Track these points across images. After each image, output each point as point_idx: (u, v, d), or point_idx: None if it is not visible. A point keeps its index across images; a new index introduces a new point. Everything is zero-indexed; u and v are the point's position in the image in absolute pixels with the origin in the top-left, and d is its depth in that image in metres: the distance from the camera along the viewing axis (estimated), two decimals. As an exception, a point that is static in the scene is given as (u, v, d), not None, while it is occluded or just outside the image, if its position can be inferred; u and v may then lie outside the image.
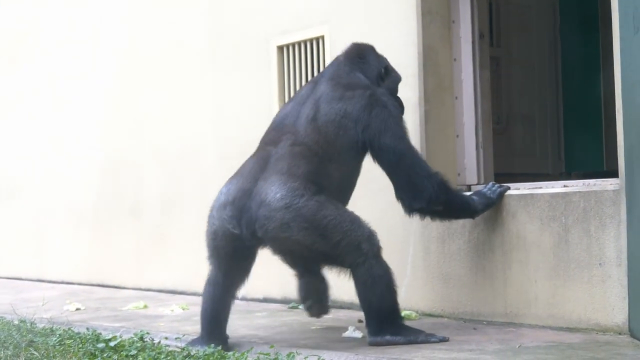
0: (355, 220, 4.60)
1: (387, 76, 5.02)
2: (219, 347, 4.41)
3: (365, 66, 4.98)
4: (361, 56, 5.01)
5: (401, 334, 4.52)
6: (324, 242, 4.52)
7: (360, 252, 4.54)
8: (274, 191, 4.49)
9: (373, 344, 4.50)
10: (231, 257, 4.75)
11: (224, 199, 4.69)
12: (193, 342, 4.72)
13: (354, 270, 4.57)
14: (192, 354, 4.24)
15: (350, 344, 4.53)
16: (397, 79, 5.13)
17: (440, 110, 5.77)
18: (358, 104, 4.70)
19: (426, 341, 4.51)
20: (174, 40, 7.70)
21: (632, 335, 4.39)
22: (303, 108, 4.86)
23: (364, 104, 4.71)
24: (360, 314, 5.61)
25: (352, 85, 4.82)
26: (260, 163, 4.73)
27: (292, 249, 4.67)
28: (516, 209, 5.03)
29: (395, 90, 5.11)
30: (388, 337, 4.50)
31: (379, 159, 4.74)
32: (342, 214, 4.60)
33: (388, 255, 5.77)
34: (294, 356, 3.96)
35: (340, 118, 4.71)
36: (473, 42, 5.82)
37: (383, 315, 4.54)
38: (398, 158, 4.68)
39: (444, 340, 4.53)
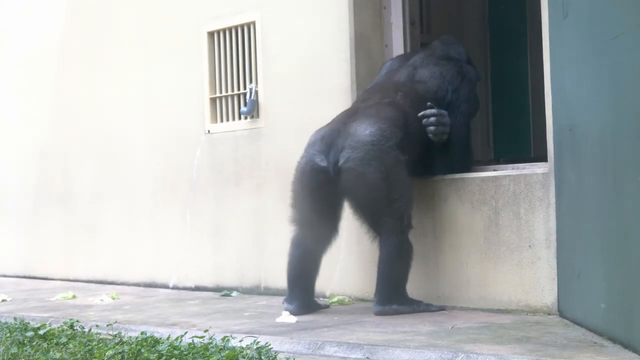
0: (413, 194, 4.93)
1: (468, 62, 5.44)
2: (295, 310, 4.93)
3: (456, 49, 5.43)
4: (453, 42, 5.47)
5: (406, 304, 4.84)
6: (386, 194, 4.78)
7: (402, 222, 4.83)
8: (363, 127, 4.84)
9: (380, 313, 4.80)
10: (316, 198, 4.94)
11: (313, 139, 5.03)
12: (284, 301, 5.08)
13: (389, 236, 4.81)
14: (124, 340, 4.18)
15: (285, 329, 4.51)
16: (479, 74, 5.53)
17: (372, 96, 5.79)
18: (452, 70, 5.22)
19: (427, 310, 4.84)
20: (104, 26, 7.57)
21: (561, 315, 4.48)
22: (395, 75, 5.30)
23: (457, 71, 5.20)
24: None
25: (446, 56, 5.34)
26: (348, 113, 5.12)
27: (356, 191, 4.84)
28: (447, 193, 5.08)
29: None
30: (395, 307, 4.81)
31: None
32: (409, 182, 4.90)
33: (321, 240, 5.78)
34: (228, 339, 3.93)
35: (433, 80, 5.18)
36: (404, 29, 5.86)
37: (396, 286, 4.83)
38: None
39: (442, 309, 4.88)
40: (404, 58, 5.48)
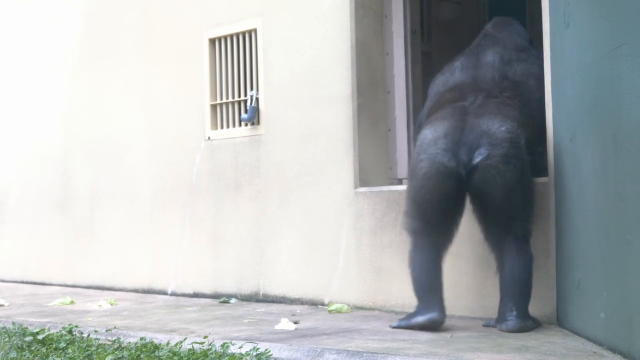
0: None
1: (531, 44, 5.26)
2: (440, 317, 4.46)
3: (518, 32, 5.26)
4: (510, 23, 5.29)
5: (532, 319, 4.50)
6: (522, 195, 4.51)
7: (530, 226, 4.56)
8: (497, 124, 4.48)
9: (522, 329, 4.38)
10: (443, 205, 4.55)
11: (432, 136, 4.56)
12: (409, 317, 4.60)
13: (522, 242, 4.51)
14: (123, 345, 4.17)
15: (284, 336, 4.51)
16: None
17: (373, 104, 5.81)
18: (535, 65, 4.99)
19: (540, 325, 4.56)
20: (105, 30, 7.58)
21: (560, 324, 4.47)
22: (479, 72, 4.98)
23: (540, 64, 4.91)
24: (292, 308, 5.64)
25: (520, 47, 5.11)
26: (458, 110, 4.67)
27: (493, 190, 4.45)
28: (448, 201, 5.07)
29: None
30: (531, 322, 4.46)
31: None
32: (534, 184, 4.64)
33: (321, 247, 5.80)
34: (228, 346, 3.93)
35: (526, 78, 4.94)
36: (405, 37, 5.87)
37: (528, 299, 4.52)
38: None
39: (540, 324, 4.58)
40: (473, 54, 5.14)
